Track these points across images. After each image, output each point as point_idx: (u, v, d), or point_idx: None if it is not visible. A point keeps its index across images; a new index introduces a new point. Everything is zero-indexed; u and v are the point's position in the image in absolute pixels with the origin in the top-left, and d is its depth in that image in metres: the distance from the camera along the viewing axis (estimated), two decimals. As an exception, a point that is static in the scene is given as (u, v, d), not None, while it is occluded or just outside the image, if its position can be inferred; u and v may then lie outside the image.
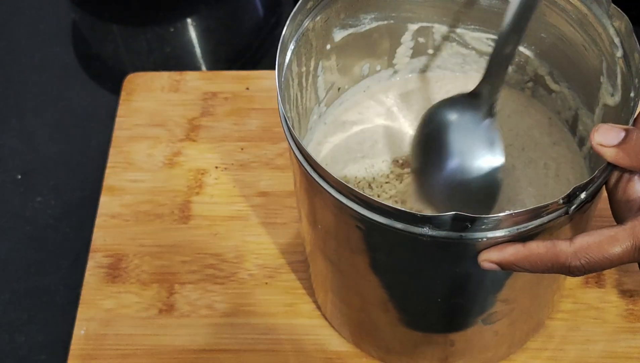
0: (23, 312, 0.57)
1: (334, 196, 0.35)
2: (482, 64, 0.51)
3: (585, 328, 0.53)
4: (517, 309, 0.45)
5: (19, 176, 0.64)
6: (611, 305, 0.54)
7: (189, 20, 0.74)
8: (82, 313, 0.55)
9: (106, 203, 0.60)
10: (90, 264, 0.57)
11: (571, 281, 0.54)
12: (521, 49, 0.48)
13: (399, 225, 0.34)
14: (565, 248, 0.33)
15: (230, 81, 0.66)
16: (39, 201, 0.62)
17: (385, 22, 0.48)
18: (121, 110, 0.64)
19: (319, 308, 0.55)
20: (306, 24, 0.42)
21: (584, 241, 0.33)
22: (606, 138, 0.34)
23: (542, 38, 0.47)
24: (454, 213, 0.32)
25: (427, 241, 0.35)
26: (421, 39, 0.50)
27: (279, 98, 0.38)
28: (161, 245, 0.58)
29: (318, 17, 0.43)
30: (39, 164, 0.65)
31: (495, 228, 0.34)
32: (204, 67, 0.71)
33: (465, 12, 0.48)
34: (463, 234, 0.34)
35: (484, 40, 0.49)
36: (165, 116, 0.64)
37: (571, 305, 0.54)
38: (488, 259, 0.35)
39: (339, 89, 0.50)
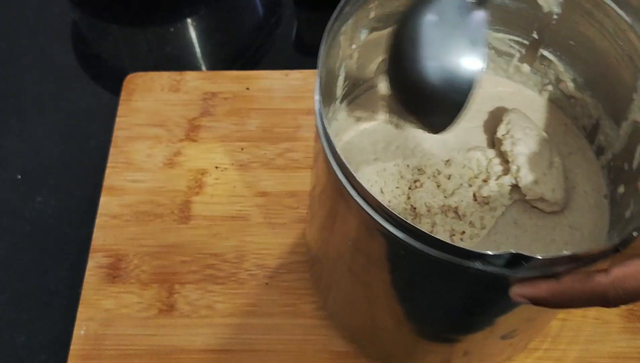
0: (23, 312, 0.57)
1: (375, 220, 0.34)
2: (499, 63, 0.50)
3: (586, 328, 0.53)
4: (536, 324, 0.45)
5: (19, 176, 0.64)
6: (611, 305, 0.54)
7: (189, 20, 0.74)
8: (82, 313, 0.55)
9: (106, 203, 0.60)
10: (90, 264, 0.57)
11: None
12: (545, 53, 0.47)
13: (446, 257, 0.33)
14: (602, 279, 0.32)
15: (230, 81, 0.66)
16: (39, 201, 0.62)
17: None
18: (121, 110, 0.64)
19: (319, 307, 0.55)
20: (340, 28, 0.41)
21: (620, 271, 0.32)
22: None
23: (570, 46, 0.46)
24: (512, 252, 0.32)
25: (471, 273, 0.33)
26: None
27: (320, 113, 0.36)
28: (161, 245, 0.58)
29: (350, 20, 0.42)
30: (39, 164, 0.65)
31: (547, 266, 0.33)
32: (204, 67, 0.71)
33: (491, 12, 0.46)
34: (514, 270, 0.33)
35: (505, 42, 0.48)
36: (165, 116, 0.64)
37: (571, 305, 0.54)
38: (521, 294, 0.34)
39: (354, 84, 0.49)
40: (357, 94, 0.50)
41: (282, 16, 0.74)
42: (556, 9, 0.44)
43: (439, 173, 0.46)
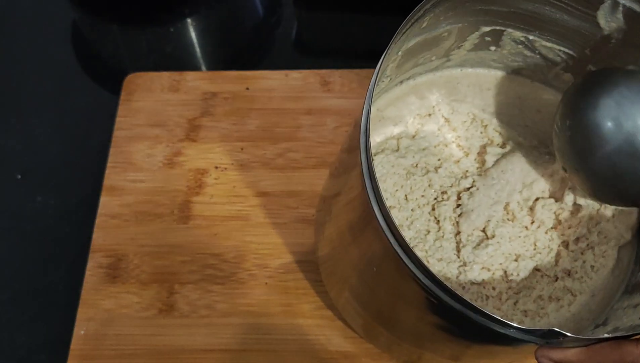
0: (23, 312, 0.57)
1: (422, 283, 0.33)
2: (540, 67, 0.48)
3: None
4: None
5: (19, 176, 0.64)
6: (611, 305, 0.54)
7: (189, 20, 0.74)
8: (82, 313, 0.55)
9: (106, 203, 0.60)
10: (90, 264, 0.57)
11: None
12: (593, 69, 0.45)
13: (483, 322, 0.32)
14: (632, 349, 0.31)
15: (230, 81, 0.66)
16: (39, 201, 0.62)
17: (460, 24, 0.44)
18: (121, 110, 0.64)
19: (318, 307, 0.55)
20: (397, 39, 0.39)
21: None
22: None
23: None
24: (551, 329, 0.31)
25: (500, 334, 0.33)
26: (488, 38, 0.47)
27: (365, 140, 0.34)
28: (161, 245, 0.58)
29: (404, 35, 0.40)
30: (39, 164, 0.65)
31: (582, 342, 0.32)
32: (204, 67, 0.71)
33: (547, 24, 0.44)
34: (548, 341, 0.33)
35: (554, 50, 0.46)
36: (165, 116, 0.64)
37: (571, 305, 0.54)
38: (548, 357, 0.33)
39: (390, 79, 0.47)
40: (388, 87, 0.48)
41: (282, 16, 0.74)
42: (617, 35, 0.42)
43: (472, 187, 0.45)
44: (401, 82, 0.48)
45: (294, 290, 0.56)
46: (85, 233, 0.59)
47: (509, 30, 0.46)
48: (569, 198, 0.44)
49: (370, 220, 0.34)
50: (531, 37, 0.46)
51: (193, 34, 0.74)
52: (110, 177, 0.61)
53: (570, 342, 0.32)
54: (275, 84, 0.66)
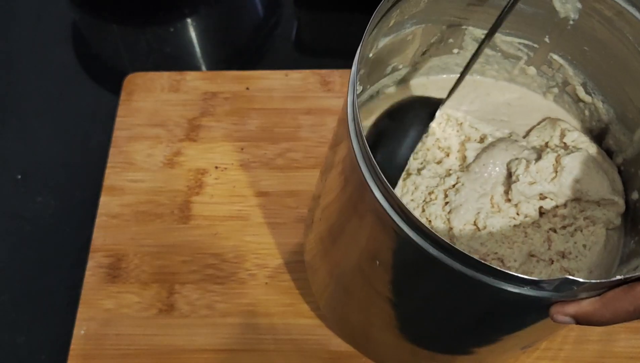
0: (23, 312, 0.57)
1: (419, 245, 0.32)
2: (503, 65, 0.49)
3: (585, 327, 0.53)
4: (558, 332, 0.44)
5: (19, 176, 0.64)
6: (611, 304, 0.54)
7: (189, 20, 0.74)
8: (82, 313, 0.55)
9: (106, 203, 0.60)
10: (90, 264, 0.57)
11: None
12: (555, 57, 0.46)
13: (494, 282, 0.32)
14: None
15: (230, 81, 0.66)
16: (39, 201, 0.62)
17: (424, 24, 0.45)
18: (121, 110, 0.64)
19: (318, 307, 0.55)
20: (367, 39, 0.40)
21: None
22: None
23: (584, 51, 0.44)
24: (566, 277, 0.31)
25: (513, 294, 0.32)
26: (450, 40, 0.47)
27: (356, 125, 0.35)
28: (161, 245, 0.58)
29: (375, 30, 0.40)
30: (39, 164, 0.65)
31: (596, 289, 0.32)
32: (204, 67, 0.71)
33: (506, 17, 0.45)
34: (561, 293, 0.32)
35: (514, 45, 0.47)
36: (165, 116, 0.64)
37: (571, 305, 0.54)
38: (563, 312, 0.33)
39: (362, 89, 0.48)
40: (360, 101, 0.49)
41: (282, 16, 0.74)
42: (573, 15, 0.43)
43: (458, 183, 0.45)
44: (371, 96, 0.49)
45: (294, 290, 0.56)
46: (85, 233, 0.59)
47: (470, 28, 0.46)
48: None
49: (363, 194, 0.34)
50: None
51: (193, 34, 0.74)
52: (110, 177, 0.61)
53: (585, 291, 0.32)
54: (275, 84, 0.66)
